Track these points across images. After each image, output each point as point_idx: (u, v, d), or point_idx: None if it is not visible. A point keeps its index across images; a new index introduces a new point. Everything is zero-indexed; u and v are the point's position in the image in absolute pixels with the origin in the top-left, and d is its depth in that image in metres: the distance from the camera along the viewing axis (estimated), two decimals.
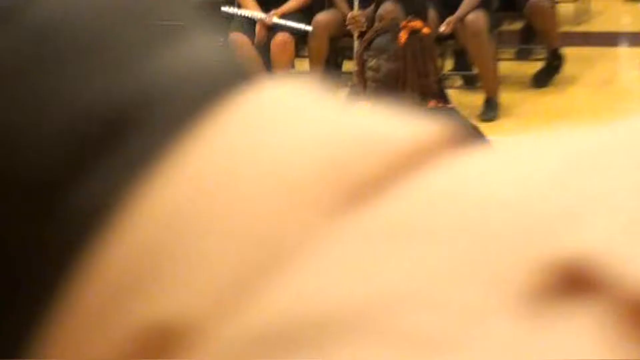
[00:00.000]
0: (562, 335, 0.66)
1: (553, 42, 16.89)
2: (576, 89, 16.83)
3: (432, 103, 9.18)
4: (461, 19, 15.01)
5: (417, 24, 9.61)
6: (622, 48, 19.10)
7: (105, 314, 0.81)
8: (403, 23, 9.55)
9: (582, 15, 19.50)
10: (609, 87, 16.87)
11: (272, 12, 16.02)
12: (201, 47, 0.89)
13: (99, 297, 0.79)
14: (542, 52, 17.11)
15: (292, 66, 16.52)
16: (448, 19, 15.00)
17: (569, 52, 17.03)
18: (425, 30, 9.73)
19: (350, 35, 14.59)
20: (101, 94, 0.88)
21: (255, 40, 15.88)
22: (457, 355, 0.66)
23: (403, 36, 9.26)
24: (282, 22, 15.96)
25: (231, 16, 16.18)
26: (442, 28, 14.99)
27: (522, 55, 17.66)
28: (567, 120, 15.15)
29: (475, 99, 15.03)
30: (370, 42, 9.48)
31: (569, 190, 0.74)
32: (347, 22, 14.83)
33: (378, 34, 9.61)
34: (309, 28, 15.70)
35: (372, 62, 9.23)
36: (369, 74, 9.28)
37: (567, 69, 16.85)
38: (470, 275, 0.70)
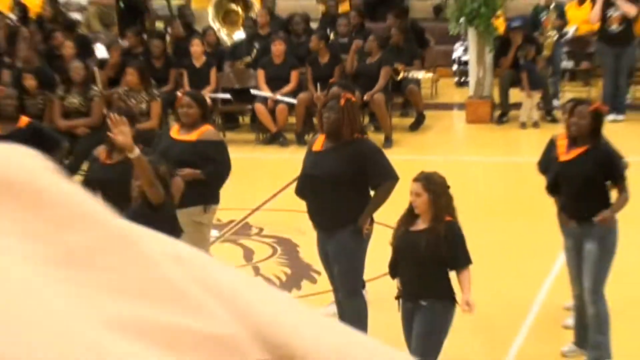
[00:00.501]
0: None
1: (419, 108, 17.86)
2: (431, 132, 17.78)
3: (357, 135, 9.68)
4: (372, 95, 16.20)
5: (350, 95, 10.05)
6: (456, 111, 19.40)
7: None
8: (342, 94, 9.96)
9: (434, 93, 19.91)
10: (449, 131, 18.64)
11: (276, 92, 16.97)
12: None
13: None
14: (413, 114, 17.95)
15: (287, 121, 17.21)
16: (367, 94, 16.04)
17: (428, 114, 17.95)
18: (354, 99, 10.11)
19: (316, 105, 14.27)
20: None
21: (268, 107, 16.99)
22: None
23: (342, 100, 9.67)
24: (281, 98, 16.98)
25: (255, 95, 17.20)
26: (365, 97, 15.90)
27: (404, 114, 18.38)
28: (427, 148, 16.64)
29: (379, 137, 15.65)
30: (325, 103, 9.98)
31: None
32: (314, 99, 16.16)
33: (330, 99, 10.16)
34: (294, 101, 16.93)
35: (326, 114, 9.67)
36: (324, 120, 9.73)
37: (427, 122, 17.80)
38: None
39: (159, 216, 8.50)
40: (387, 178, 9.62)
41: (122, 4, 20.89)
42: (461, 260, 8.24)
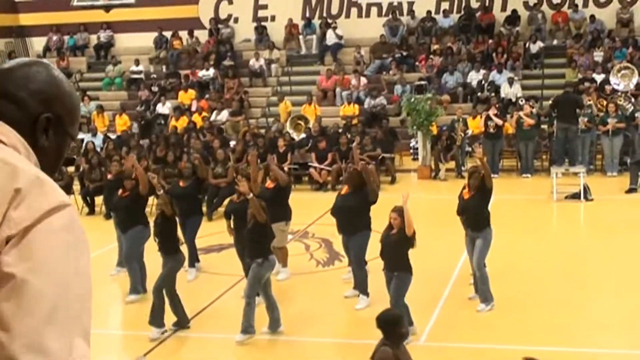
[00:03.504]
0: None
1: (392, 172, 17.21)
2: (400, 184, 16.88)
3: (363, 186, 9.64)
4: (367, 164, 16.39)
5: (356, 167, 9.92)
6: (412, 173, 18.01)
7: None
8: (354, 167, 10.04)
9: (401, 164, 18.52)
10: (409, 183, 17.30)
11: (321, 164, 16.70)
12: None
13: None
14: (390, 174, 17.20)
15: (327, 178, 16.53)
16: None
17: (398, 175, 17.42)
18: (359, 169, 9.82)
19: (342, 171, 15.25)
20: None
21: (317, 171, 16.58)
22: None
23: (354, 170, 9.79)
24: (324, 167, 16.66)
25: (310, 166, 16.96)
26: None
27: (386, 175, 17.03)
28: (397, 192, 17.26)
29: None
30: (346, 170, 10.50)
31: None
32: (341, 168, 15.85)
33: (348, 169, 10.34)
34: (330, 169, 16.41)
35: (347, 176, 10.02)
36: (346, 178, 10.02)
37: (397, 179, 17.27)
38: None
39: (263, 229, 8.48)
40: (374, 197, 9.55)
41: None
42: (410, 242, 8.21)
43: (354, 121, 19.36)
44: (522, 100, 18.47)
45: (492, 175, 16.76)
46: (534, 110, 17.48)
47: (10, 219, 1.25)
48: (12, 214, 1.26)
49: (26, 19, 25.52)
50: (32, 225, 1.25)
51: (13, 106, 1.40)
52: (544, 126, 17.72)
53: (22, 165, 1.33)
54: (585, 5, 22.11)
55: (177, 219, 9.69)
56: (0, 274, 1.21)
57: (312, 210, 14.26)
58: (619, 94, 17.90)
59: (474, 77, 20.70)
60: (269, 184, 10.64)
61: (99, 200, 15.16)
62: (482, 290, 9.12)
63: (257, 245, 8.44)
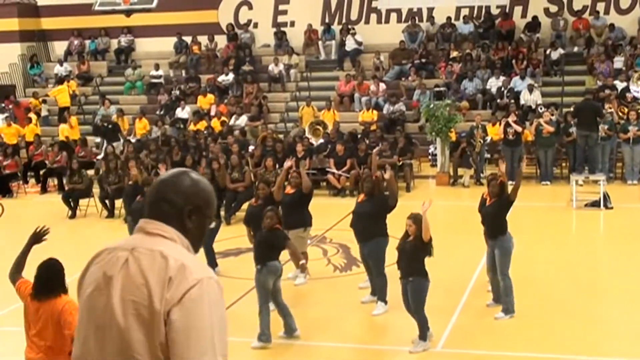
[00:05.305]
0: None
1: (410, 178, 17.54)
2: (417, 190, 16.88)
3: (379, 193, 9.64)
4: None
5: (376, 174, 10.13)
6: (430, 179, 18.08)
7: None
8: (373, 174, 10.12)
9: (419, 170, 18.54)
10: (426, 189, 17.27)
11: (340, 170, 16.59)
12: None
13: None
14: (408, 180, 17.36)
15: (345, 184, 16.64)
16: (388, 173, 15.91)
17: (416, 181, 17.45)
18: (378, 176, 10.06)
19: (360, 178, 15.23)
20: None
21: (335, 177, 16.61)
22: None
23: (373, 177, 9.91)
24: (342, 173, 16.62)
25: (328, 171, 16.91)
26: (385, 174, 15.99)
27: (402, 181, 16.98)
28: (415, 198, 15.29)
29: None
30: (365, 178, 9.81)
31: None
32: (359, 174, 15.79)
33: (366, 176, 9.90)
34: (349, 175, 16.51)
35: (365, 184, 9.65)
36: (364, 186, 9.64)
37: (415, 185, 17.28)
38: None
39: (277, 235, 8.44)
40: (394, 201, 9.48)
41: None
42: (427, 249, 8.19)
43: (373, 127, 19.35)
44: (541, 108, 18.41)
45: (510, 183, 16.80)
46: (554, 118, 17.43)
47: (166, 299, 1.97)
48: (166, 295, 1.97)
49: (48, 23, 25.72)
50: (179, 300, 1.96)
51: (167, 205, 2.09)
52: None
53: (173, 256, 2.02)
54: (607, 12, 21.99)
55: None
56: (169, 335, 1.97)
57: (330, 215, 14.26)
58: None
59: (494, 84, 20.66)
60: (289, 189, 10.66)
61: (118, 202, 15.24)
62: (505, 301, 9.08)
63: (258, 251, 8.49)
